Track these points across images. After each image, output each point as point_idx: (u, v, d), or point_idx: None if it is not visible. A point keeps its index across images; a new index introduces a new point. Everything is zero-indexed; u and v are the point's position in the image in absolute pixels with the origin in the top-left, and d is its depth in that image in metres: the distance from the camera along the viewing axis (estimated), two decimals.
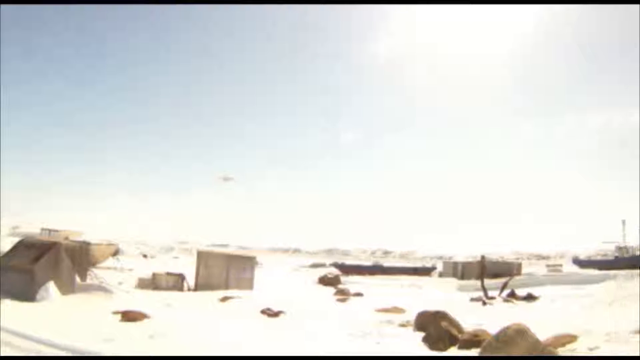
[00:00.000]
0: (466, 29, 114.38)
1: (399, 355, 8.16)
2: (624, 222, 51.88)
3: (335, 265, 46.76)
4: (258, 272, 24.74)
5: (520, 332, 7.01)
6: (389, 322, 12.05)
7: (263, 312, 13.13)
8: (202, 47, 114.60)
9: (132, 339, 8.85)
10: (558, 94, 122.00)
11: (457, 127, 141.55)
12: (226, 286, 20.03)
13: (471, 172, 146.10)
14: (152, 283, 19.63)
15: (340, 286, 26.06)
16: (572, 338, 8.88)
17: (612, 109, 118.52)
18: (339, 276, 32.36)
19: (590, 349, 7.93)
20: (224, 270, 20.75)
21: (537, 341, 7.12)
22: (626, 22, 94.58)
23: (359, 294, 21.40)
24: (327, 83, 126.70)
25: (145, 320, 10.84)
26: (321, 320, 12.43)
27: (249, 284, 21.60)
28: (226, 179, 69.06)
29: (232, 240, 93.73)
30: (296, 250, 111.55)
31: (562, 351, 7.77)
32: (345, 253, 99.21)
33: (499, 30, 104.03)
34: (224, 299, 16.15)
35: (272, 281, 26.54)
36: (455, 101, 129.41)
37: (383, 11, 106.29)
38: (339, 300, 19.00)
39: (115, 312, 11.27)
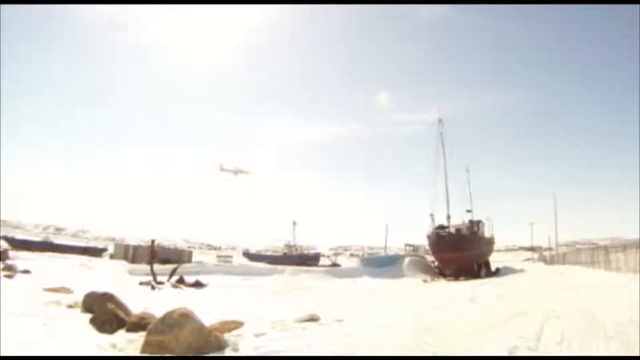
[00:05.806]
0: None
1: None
2: (294, 222, 60.39)
3: (5, 238, 40.58)
4: None
5: (184, 316, 7.15)
6: (57, 302, 11.18)
7: None
8: None
9: None
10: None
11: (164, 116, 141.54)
12: None
13: (157, 158, 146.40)
14: None
15: (8, 262, 23.10)
16: (238, 324, 9.27)
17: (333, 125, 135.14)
18: (7, 250, 28.81)
19: (257, 335, 8.27)
20: None
21: (202, 325, 7.32)
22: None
23: (26, 271, 19.75)
24: None
25: None
26: None
27: None
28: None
29: None
30: None
31: (227, 336, 8.02)
32: (17, 226, 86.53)
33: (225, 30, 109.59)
34: None
35: None
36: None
37: None
38: (5, 276, 17.04)
39: None
